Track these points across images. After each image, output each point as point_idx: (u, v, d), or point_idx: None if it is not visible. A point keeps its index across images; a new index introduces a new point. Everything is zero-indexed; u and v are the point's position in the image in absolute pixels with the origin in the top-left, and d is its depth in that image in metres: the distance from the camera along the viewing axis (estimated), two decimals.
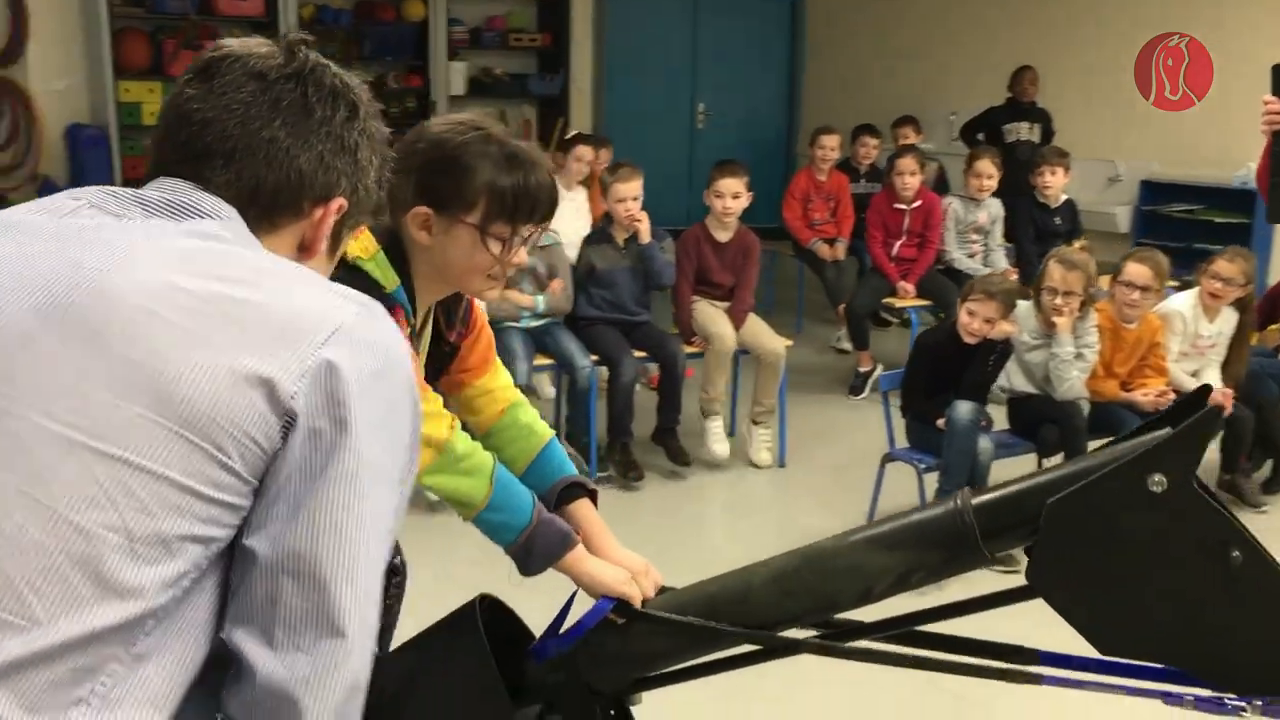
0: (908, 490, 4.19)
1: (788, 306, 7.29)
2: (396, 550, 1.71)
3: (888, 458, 4.26)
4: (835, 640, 1.72)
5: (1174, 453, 1.44)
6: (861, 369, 5.99)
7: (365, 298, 1.10)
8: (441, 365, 1.85)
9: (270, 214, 1.16)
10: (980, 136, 7.76)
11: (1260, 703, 1.52)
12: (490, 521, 1.68)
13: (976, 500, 1.55)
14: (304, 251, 1.20)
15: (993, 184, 6.10)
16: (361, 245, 1.70)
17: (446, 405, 1.81)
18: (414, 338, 1.73)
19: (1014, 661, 1.67)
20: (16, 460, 0.99)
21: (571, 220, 5.37)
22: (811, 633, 1.73)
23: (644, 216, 4.67)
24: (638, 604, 1.71)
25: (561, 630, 1.76)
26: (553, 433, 1.91)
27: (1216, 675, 1.54)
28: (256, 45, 1.19)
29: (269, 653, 1.03)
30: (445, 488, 1.67)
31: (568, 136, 6.52)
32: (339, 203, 1.19)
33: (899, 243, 6.06)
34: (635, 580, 1.73)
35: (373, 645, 1.08)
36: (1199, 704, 1.56)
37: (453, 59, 9.18)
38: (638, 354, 4.74)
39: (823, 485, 4.72)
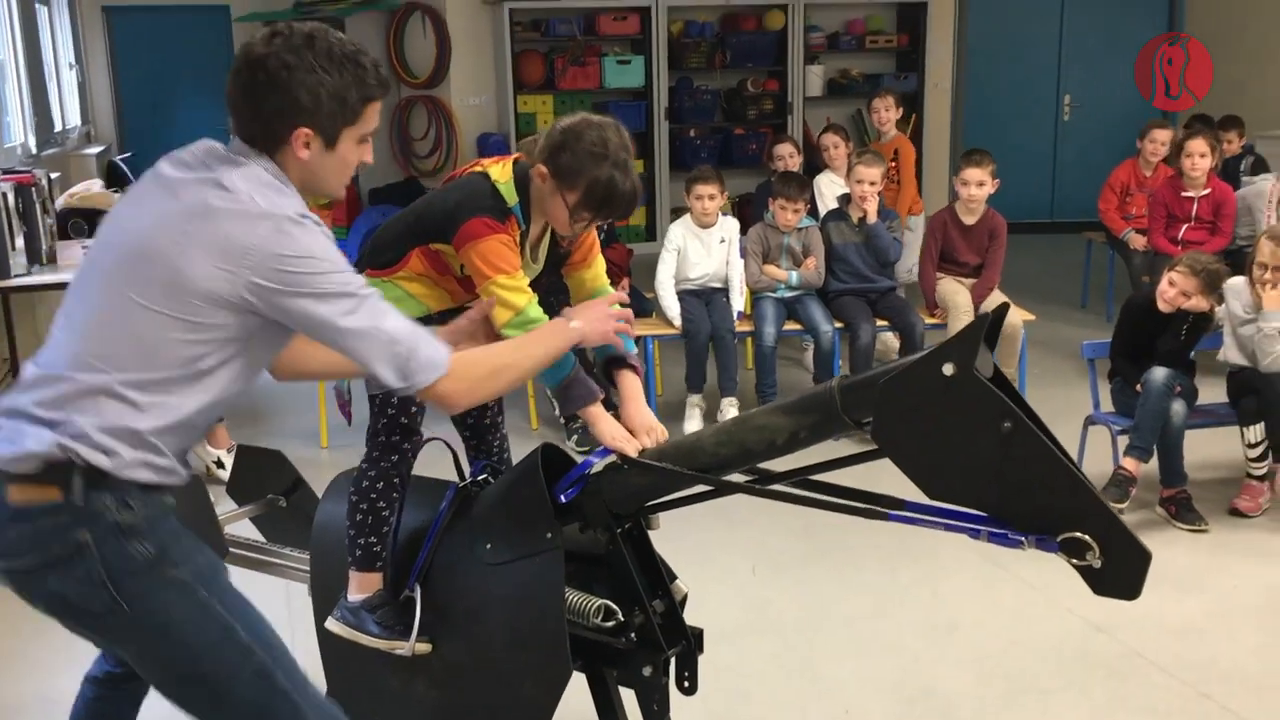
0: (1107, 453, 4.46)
1: (1100, 295, 7.40)
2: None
3: (1089, 420, 4.55)
4: (758, 484, 2.37)
5: (958, 348, 1.98)
6: None
7: None
8: (558, 261, 2.63)
9: None
10: None
11: (1034, 538, 2.01)
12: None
13: (843, 382, 2.15)
14: None
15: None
16: (503, 172, 2.48)
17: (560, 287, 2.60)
18: (524, 238, 2.50)
19: (886, 507, 2.23)
20: None
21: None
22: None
23: (874, 199, 5.21)
24: (631, 454, 2.42)
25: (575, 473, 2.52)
26: None
27: (1005, 516, 2.04)
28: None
29: None
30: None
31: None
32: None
33: (1185, 226, 6.07)
34: (638, 436, 2.44)
35: None
36: (990, 537, 2.06)
37: (810, 63, 9.92)
38: (880, 322, 5.29)
39: None
